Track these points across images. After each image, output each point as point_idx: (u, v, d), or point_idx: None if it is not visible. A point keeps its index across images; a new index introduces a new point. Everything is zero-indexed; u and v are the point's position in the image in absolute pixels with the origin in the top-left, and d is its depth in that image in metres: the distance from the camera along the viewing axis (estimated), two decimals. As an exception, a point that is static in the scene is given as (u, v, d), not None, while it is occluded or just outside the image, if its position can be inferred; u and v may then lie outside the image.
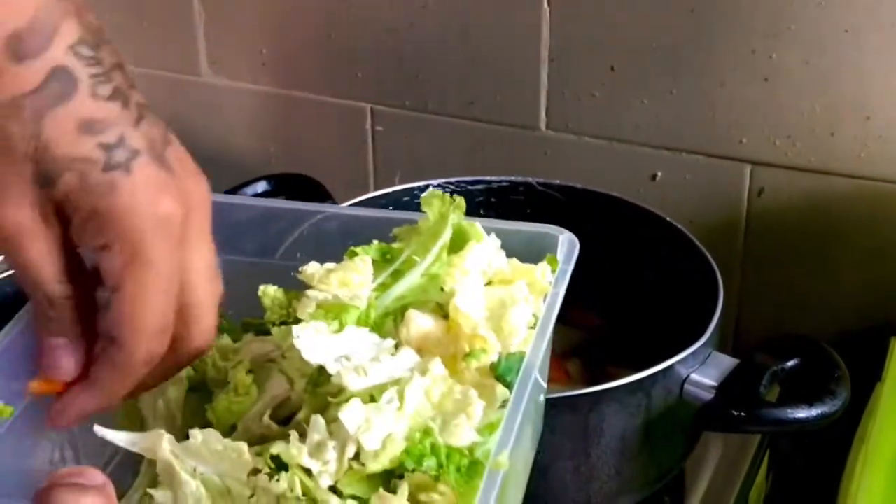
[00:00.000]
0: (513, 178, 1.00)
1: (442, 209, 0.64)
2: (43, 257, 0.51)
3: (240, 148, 1.26)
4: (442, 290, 0.61)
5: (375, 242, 0.64)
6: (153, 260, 0.51)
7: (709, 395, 0.80)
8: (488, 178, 1.00)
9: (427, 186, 1.00)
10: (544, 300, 0.62)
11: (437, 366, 0.57)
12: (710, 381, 0.80)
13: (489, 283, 0.63)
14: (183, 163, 0.54)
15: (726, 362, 0.81)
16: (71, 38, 0.50)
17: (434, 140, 1.16)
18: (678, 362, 0.79)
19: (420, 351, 0.59)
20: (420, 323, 0.60)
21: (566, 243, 0.65)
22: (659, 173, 1.07)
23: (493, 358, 0.58)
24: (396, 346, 0.59)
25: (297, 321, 0.59)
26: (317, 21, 1.17)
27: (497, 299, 0.61)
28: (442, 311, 0.61)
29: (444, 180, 1.00)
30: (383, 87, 1.16)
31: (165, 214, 0.51)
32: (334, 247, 0.66)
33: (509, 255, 0.64)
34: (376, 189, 1.18)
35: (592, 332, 0.97)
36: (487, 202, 1.01)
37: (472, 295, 0.60)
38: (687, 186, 1.06)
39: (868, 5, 0.94)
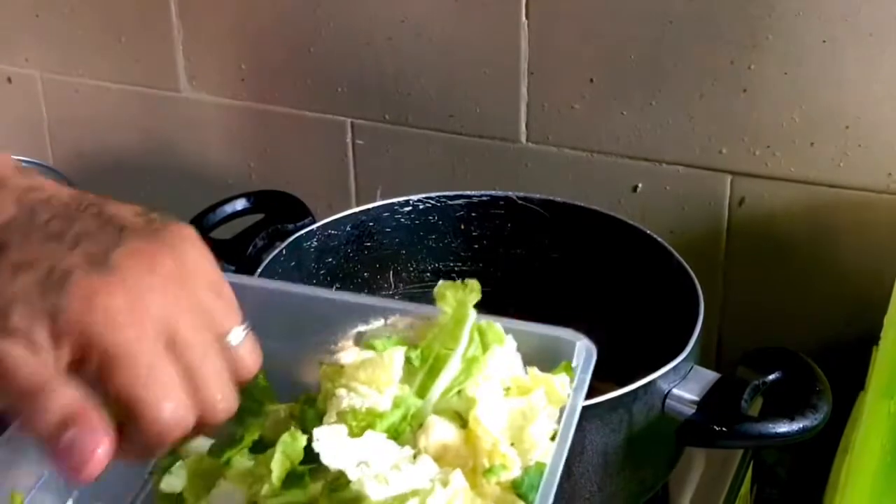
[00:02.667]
0: (493, 192, 1.00)
1: (458, 297, 0.62)
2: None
3: (219, 163, 1.26)
4: (460, 394, 0.60)
5: (393, 336, 0.62)
6: (119, 353, 0.51)
7: (690, 411, 0.80)
8: (468, 192, 1.00)
9: (408, 202, 1.00)
10: (561, 411, 0.60)
11: (457, 478, 0.55)
12: (691, 396, 0.80)
13: (507, 390, 0.61)
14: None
15: (707, 377, 0.81)
16: (1, 219, 0.54)
17: (415, 153, 1.16)
18: (659, 377, 0.79)
19: (437, 460, 0.58)
20: (440, 431, 0.58)
21: (583, 351, 0.63)
22: (640, 184, 1.07)
23: (515, 474, 0.56)
24: (415, 455, 0.57)
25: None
26: (296, 36, 1.17)
27: (517, 410, 0.59)
28: (460, 420, 0.59)
29: (424, 195, 1.00)
30: (363, 101, 1.16)
31: (106, 310, 0.51)
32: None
33: (521, 355, 0.63)
34: (358, 203, 1.19)
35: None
36: (468, 217, 1.00)
37: (494, 405, 0.59)
38: (668, 197, 1.06)
39: (845, 16, 0.95)
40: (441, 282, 0.63)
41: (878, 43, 0.95)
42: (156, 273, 0.53)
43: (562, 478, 0.77)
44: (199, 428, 0.54)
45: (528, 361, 0.63)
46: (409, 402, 0.59)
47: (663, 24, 1.01)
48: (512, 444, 0.58)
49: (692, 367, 0.82)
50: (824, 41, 0.96)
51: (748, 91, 1.00)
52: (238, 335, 0.56)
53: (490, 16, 1.07)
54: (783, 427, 0.77)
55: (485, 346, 0.62)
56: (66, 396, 0.51)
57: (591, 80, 1.06)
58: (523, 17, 1.06)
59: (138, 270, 0.53)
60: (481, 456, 0.57)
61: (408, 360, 0.60)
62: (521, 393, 0.61)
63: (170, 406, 0.52)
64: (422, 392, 0.60)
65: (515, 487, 0.56)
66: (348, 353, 0.61)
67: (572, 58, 1.05)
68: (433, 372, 0.60)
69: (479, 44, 1.09)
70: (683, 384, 0.81)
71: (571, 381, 0.62)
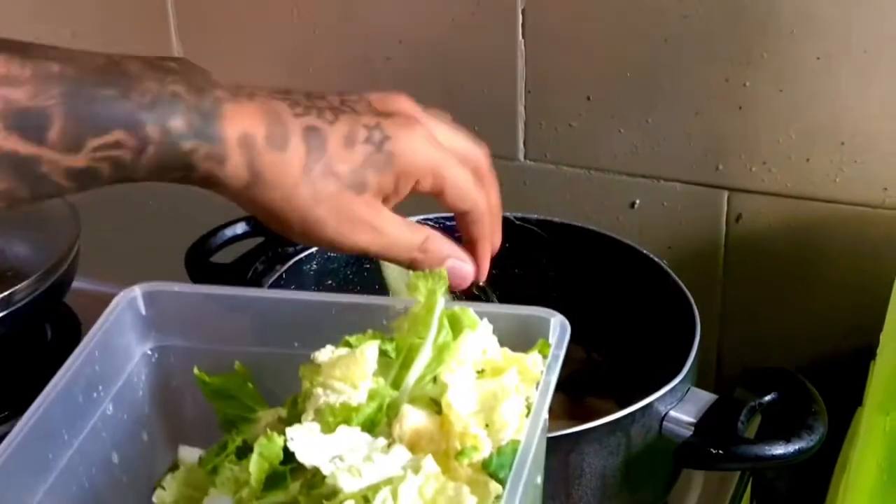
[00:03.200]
0: (491, 213, 1.01)
1: (429, 286, 0.63)
2: None
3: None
4: (435, 380, 0.61)
5: (370, 331, 0.63)
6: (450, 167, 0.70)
7: (687, 432, 0.80)
8: (467, 213, 1.01)
9: (406, 223, 1.00)
10: (536, 387, 0.61)
11: (429, 463, 0.56)
12: (688, 418, 0.81)
13: (481, 373, 0.62)
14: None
15: (704, 398, 0.82)
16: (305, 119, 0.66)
17: (414, 171, 1.16)
18: (657, 400, 0.80)
19: (413, 447, 0.59)
20: (413, 419, 0.59)
21: (558, 327, 0.64)
22: (637, 201, 1.08)
23: (485, 454, 0.57)
24: (389, 444, 0.58)
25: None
26: (294, 55, 1.17)
27: (489, 392, 0.60)
28: (435, 406, 0.60)
29: (423, 216, 1.00)
30: (362, 120, 1.16)
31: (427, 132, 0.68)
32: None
33: (499, 336, 0.64)
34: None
35: (573, 365, 0.98)
36: (467, 237, 1.01)
37: (465, 389, 0.60)
38: (665, 214, 1.07)
39: (839, 33, 0.95)
40: (411, 273, 0.65)
41: (871, 59, 0.95)
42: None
43: (560, 501, 0.79)
44: None
45: (508, 344, 0.64)
46: (384, 394, 0.60)
47: (659, 42, 1.01)
48: (486, 426, 0.59)
49: (689, 389, 0.82)
50: (818, 58, 0.97)
51: (744, 108, 1.01)
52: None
53: (487, 35, 1.08)
54: (779, 449, 0.78)
55: (457, 331, 0.63)
56: (442, 241, 0.70)
57: (588, 98, 1.06)
58: (520, 37, 1.06)
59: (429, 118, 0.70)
60: (453, 439, 0.58)
61: (384, 354, 0.62)
62: (494, 374, 0.62)
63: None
64: (397, 383, 0.61)
65: (485, 467, 0.57)
66: (324, 352, 0.62)
67: (569, 76, 1.06)
68: (407, 362, 0.62)
69: (477, 63, 1.09)
70: (680, 406, 0.81)
71: (545, 356, 0.63)
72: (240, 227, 1.02)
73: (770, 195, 1.03)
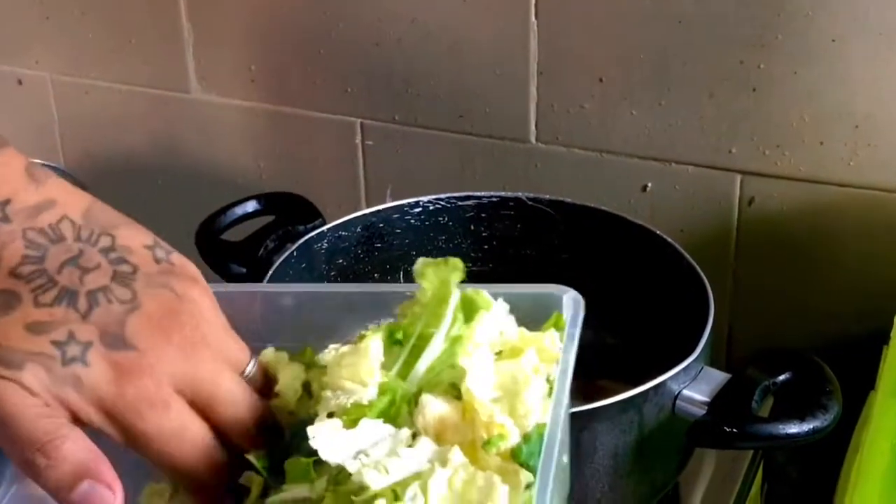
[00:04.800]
0: (503, 193, 1.00)
1: (440, 275, 0.62)
2: None
3: (230, 164, 1.26)
4: (453, 366, 0.60)
5: (383, 322, 0.62)
6: (148, 432, 0.53)
7: (701, 411, 0.80)
8: (478, 193, 1.01)
9: (417, 203, 1.00)
10: (556, 364, 0.61)
11: (456, 455, 0.55)
12: (701, 397, 0.80)
13: (499, 354, 0.61)
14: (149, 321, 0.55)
15: (718, 377, 0.81)
16: (12, 261, 0.54)
17: (424, 154, 1.16)
18: (670, 378, 0.79)
19: (437, 437, 0.58)
20: (435, 408, 0.58)
21: (571, 303, 0.63)
22: (649, 184, 1.07)
23: (513, 442, 0.56)
24: (414, 435, 0.57)
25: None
26: (305, 37, 1.17)
27: (509, 375, 0.59)
28: (455, 391, 0.59)
29: (434, 196, 1.00)
30: (373, 102, 1.16)
31: (135, 394, 0.53)
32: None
33: (514, 316, 0.63)
34: (368, 203, 1.19)
35: (584, 347, 0.97)
36: (478, 217, 1.01)
37: (484, 374, 0.59)
38: (677, 197, 1.07)
39: (854, 15, 0.95)
40: (420, 259, 0.63)
41: (887, 42, 0.95)
42: (172, 343, 0.55)
43: (573, 477, 0.79)
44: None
45: (522, 323, 0.63)
46: (395, 387, 0.59)
47: (672, 23, 1.01)
48: (508, 411, 0.58)
49: (702, 368, 0.82)
50: (833, 40, 0.96)
51: (757, 90, 1.00)
52: (251, 366, 0.59)
53: (499, 16, 1.07)
54: (793, 428, 0.77)
55: (471, 313, 0.61)
56: (80, 446, 0.52)
57: (601, 80, 1.06)
58: (532, 18, 1.06)
59: (155, 342, 0.54)
60: (479, 428, 0.57)
61: (394, 341, 0.60)
62: (513, 355, 0.61)
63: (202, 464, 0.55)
64: (405, 372, 0.60)
65: (515, 457, 0.56)
66: (328, 352, 0.61)
67: (581, 58, 1.06)
68: (416, 351, 0.60)
69: (489, 44, 1.09)
70: (694, 385, 0.81)
71: (561, 334, 0.62)
72: (250, 206, 1.01)
73: (783, 179, 1.02)
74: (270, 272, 0.91)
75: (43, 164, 1.13)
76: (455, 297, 0.61)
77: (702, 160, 1.05)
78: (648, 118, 1.05)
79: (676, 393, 0.80)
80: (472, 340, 0.60)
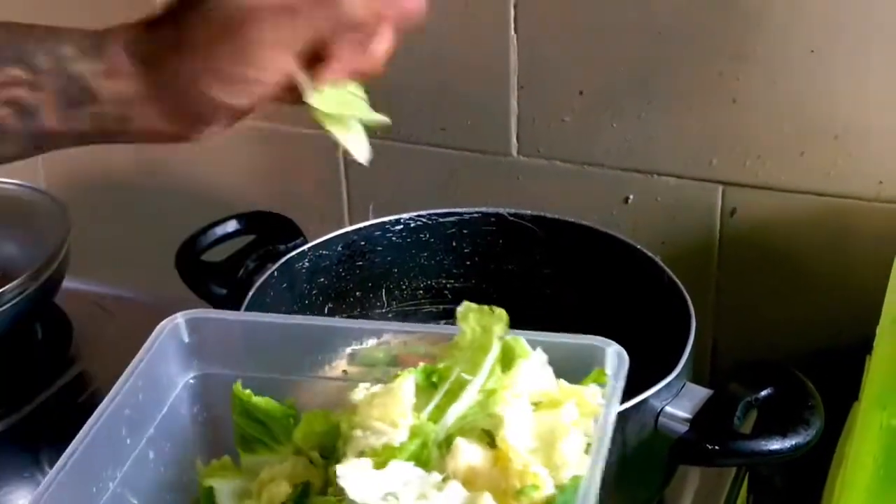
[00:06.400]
0: (484, 209, 1.00)
1: (482, 322, 0.62)
2: None
3: (211, 181, 1.26)
4: (490, 415, 0.60)
5: (421, 365, 0.62)
6: None
7: (683, 428, 0.80)
8: (460, 210, 1.01)
9: (399, 220, 1.00)
10: (595, 420, 0.60)
11: (487, 500, 0.56)
12: (684, 414, 0.80)
13: (537, 405, 0.61)
14: None
15: (700, 393, 0.81)
16: None
17: (406, 167, 1.16)
18: (652, 396, 0.79)
19: (466, 483, 0.57)
20: (468, 454, 0.58)
21: (615, 357, 0.63)
22: (631, 196, 1.07)
23: (547, 492, 0.56)
24: (445, 479, 0.57)
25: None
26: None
27: (546, 426, 0.59)
28: (488, 438, 0.59)
29: (416, 213, 1.00)
30: (354, 117, 1.16)
31: None
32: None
33: (552, 366, 0.63)
34: (351, 218, 1.19)
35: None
36: (460, 234, 1.01)
37: (521, 423, 0.59)
38: (659, 208, 1.07)
39: (832, 26, 0.95)
40: (465, 303, 0.62)
41: (865, 52, 0.95)
42: None
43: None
44: None
45: (558, 373, 0.62)
46: (427, 430, 0.59)
47: (652, 36, 1.01)
48: (544, 462, 0.58)
49: (685, 384, 0.82)
50: (812, 51, 0.96)
51: (737, 102, 1.00)
52: None
53: (480, 30, 1.07)
54: (776, 444, 0.77)
55: (508, 361, 0.61)
56: None
57: (581, 93, 1.06)
58: (512, 31, 1.06)
59: None
60: (512, 477, 0.57)
61: (429, 383, 0.60)
62: (551, 407, 0.60)
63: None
64: (437, 416, 0.60)
65: None
66: (359, 391, 0.61)
67: (562, 71, 1.06)
68: (450, 396, 0.60)
69: (469, 58, 1.09)
70: (676, 401, 0.81)
71: (604, 389, 0.61)
72: (230, 225, 1.01)
73: (764, 189, 1.02)
74: (251, 292, 0.91)
75: (23, 186, 1.13)
76: (496, 348, 0.61)
77: (683, 171, 1.05)
78: (629, 130, 1.05)
79: (659, 410, 0.80)
80: (510, 390, 0.60)
